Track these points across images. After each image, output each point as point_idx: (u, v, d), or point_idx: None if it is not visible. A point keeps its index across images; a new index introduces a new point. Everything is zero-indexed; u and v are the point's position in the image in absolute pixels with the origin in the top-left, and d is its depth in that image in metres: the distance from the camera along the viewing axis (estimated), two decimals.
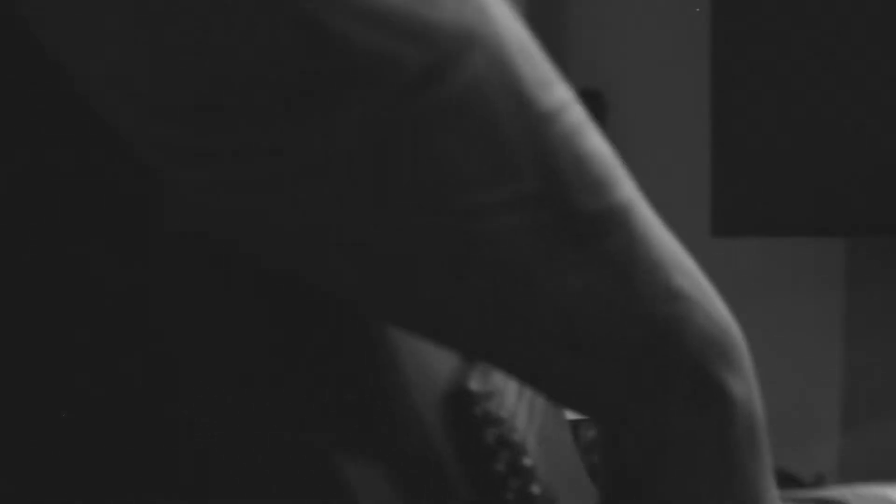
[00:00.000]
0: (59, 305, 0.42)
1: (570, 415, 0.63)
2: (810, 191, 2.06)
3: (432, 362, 0.51)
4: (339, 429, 0.44)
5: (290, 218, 0.41)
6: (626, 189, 0.46)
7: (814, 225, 2.11)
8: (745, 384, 0.50)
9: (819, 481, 2.22)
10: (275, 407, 0.42)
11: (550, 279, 0.44)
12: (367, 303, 0.45)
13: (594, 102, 2.49)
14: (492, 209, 0.42)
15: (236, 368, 0.42)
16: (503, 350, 0.46)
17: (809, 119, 2.05)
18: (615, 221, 0.45)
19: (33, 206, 0.42)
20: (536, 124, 0.42)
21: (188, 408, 0.41)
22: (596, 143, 0.45)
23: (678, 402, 0.48)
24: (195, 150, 0.38)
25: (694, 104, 2.24)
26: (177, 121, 0.38)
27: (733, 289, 2.47)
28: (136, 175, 0.42)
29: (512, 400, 0.54)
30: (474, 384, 0.51)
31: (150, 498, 0.41)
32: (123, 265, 0.42)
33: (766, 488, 0.50)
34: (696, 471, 0.49)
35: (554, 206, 0.43)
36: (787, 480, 2.21)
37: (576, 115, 0.44)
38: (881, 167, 1.99)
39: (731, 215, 2.16)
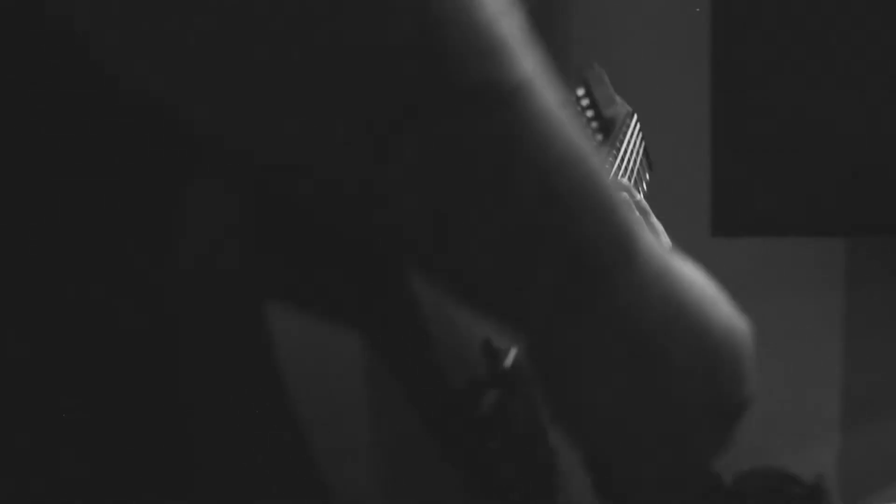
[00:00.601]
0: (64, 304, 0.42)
1: None
2: (810, 191, 2.06)
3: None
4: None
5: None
6: (521, 71, 0.43)
7: (814, 225, 2.11)
8: (633, 289, 0.48)
9: (819, 481, 2.22)
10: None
11: (418, 141, 0.42)
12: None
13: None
14: (353, 45, 0.40)
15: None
16: (369, 215, 0.44)
17: (809, 119, 2.05)
18: (497, 99, 0.43)
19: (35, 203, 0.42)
20: None
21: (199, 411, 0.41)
22: (491, 14, 0.43)
23: (543, 299, 0.46)
24: None
25: (694, 104, 2.24)
26: None
27: (733, 289, 2.46)
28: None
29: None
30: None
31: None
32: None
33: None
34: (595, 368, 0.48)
35: (425, 62, 0.41)
36: (787, 480, 2.21)
37: None
38: (881, 167, 1.99)
39: (731, 215, 2.15)
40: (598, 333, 0.48)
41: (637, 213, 0.65)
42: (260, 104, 0.41)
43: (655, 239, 0.51)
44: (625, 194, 0.86)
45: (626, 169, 0.94)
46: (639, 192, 0.98)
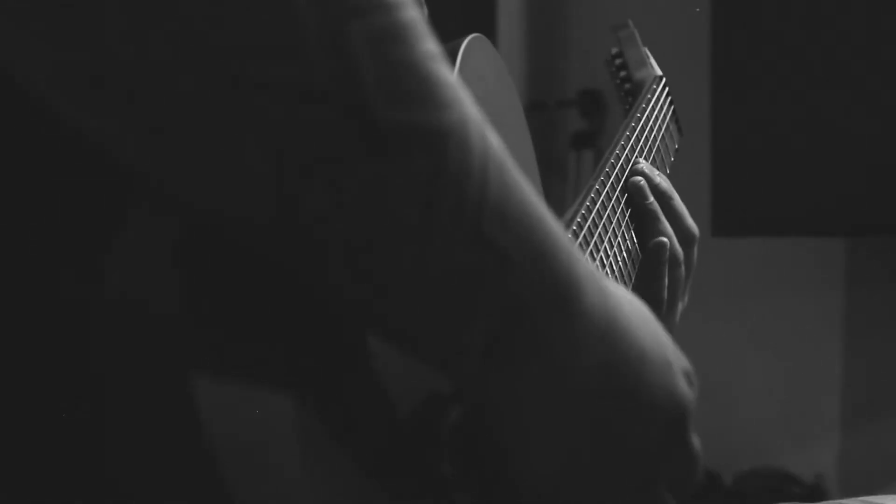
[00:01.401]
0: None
1: None
2: (810, 191, 2.06)
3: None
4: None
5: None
6: (449, 115, 0.42)
7: (814, 225, 2.11)
8: (553, 355, 0.46)
9: (819, 481, 2.22)
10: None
11: (330, 185, 0.40)
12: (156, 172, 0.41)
13: (594, 102, 2.49)
14: (268, 85, 0.39)
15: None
16: (291, 260, 0.42)
17: (809, 119, 2.05)
18: (421, 143, 0.41)
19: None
20: (337, 11, 0.40)
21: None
22: (418, 56, 0.41)
23: (475, 357, 0.45)
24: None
25: (694, 104, 2.24)
26: None
27: (733, 289, 2.47)
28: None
29: None
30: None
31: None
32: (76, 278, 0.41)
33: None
34: (526, 427, 0.47)
35: (342, 105, 0.40)
36: (787, 480, 2.21)
37: (396, 21, 0.41)
38: (881, 167, 1.99)
39: (731, 215, 2.16)
40: (532, 388, 0.46)
41: (587, 259, 0.63)
42: (173, 143, 0.40)
43: (605, 285, 0.49)
44: (640, 179, 0.82)
45: (646, 138, 0.90)
46: (666, 168, 0.94)
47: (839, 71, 2.02)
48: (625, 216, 0.81)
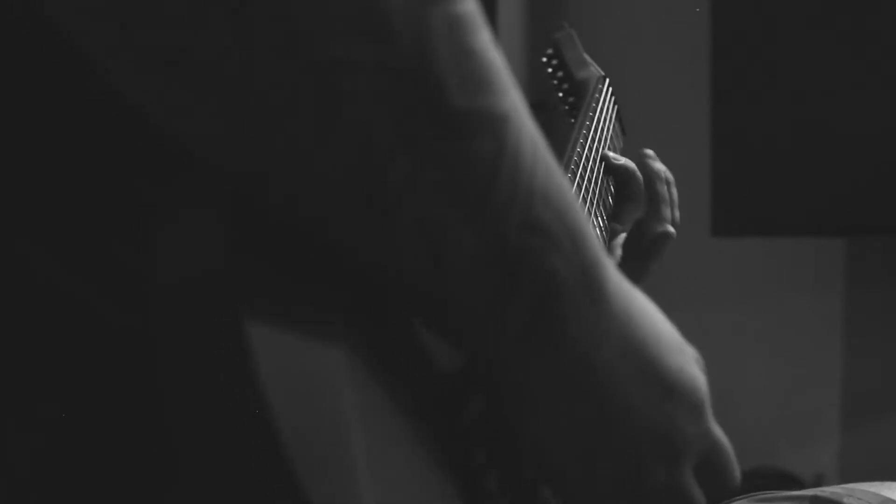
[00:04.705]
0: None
1: None
2: (810, 191, 2.06)
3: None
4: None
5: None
6: (507, 101, 0.44)
7: (814, 225, 2.11)
8: (589, 326, 0.48)
9: (819, 481, 2.22)
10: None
11: (408, 163, 0.42)
12: (235, 159, 0.42)
13: None
14: (353, 66, 0.40)
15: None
16: (355, 236, 0.44)
17: (809, 119, 2.05)
18: (485, 126, 0.44)
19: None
20: None
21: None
22: (483, 45, 0.44)
23: (511, 337, 0.47)
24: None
25: (694, 104, 2.24)
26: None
27: (733, 289, 2.47)
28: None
29: None
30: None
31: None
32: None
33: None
34: (537, 406, 0.49)
35: (421, 87, 0.42)
36: (787, 480, 2.21)
37: (467, 10, 0.43)
38: (881, 167, 1.99)
39: (731, 215, 2.16)
40: (556, 368, 0.48)
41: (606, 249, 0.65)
42: (252, 123, 0.41)
43: (620, 274, 0.51)
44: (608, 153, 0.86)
45: (601, 138, 0.93)
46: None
47: (839, 71, 2.02)
48: (595, 206, 0.83)
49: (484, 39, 0.44)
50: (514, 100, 0.45)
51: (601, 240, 0.83)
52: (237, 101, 0.40)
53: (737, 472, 0.56)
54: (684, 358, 0.53)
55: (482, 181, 0.44)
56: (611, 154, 0.93)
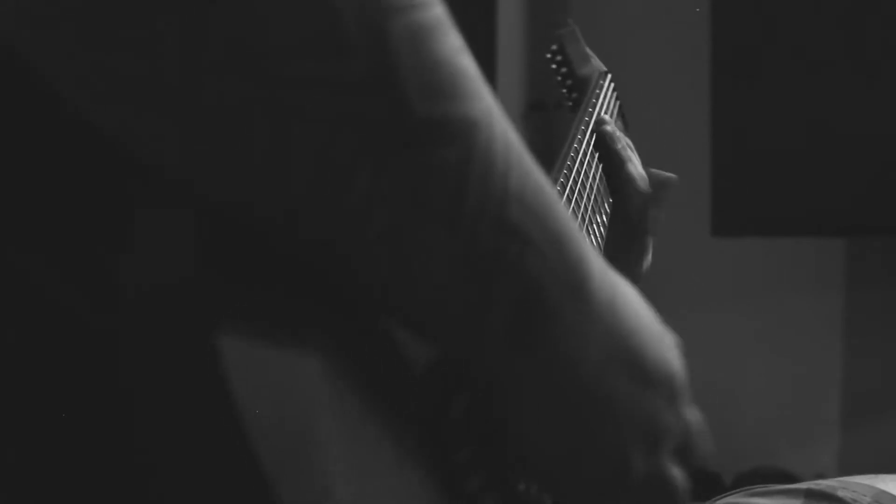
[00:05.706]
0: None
1: None
2: (810, 191, 2.06)
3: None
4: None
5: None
6: (476, 107, 0.44)
7: (814, 225, 2.11)
8: (575, 336, 0.48)
9: None
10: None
11: (373, 175, 0.42)
12: (196, 174, 0.42)
13: None
14: (310, 82, 0.40)
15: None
16: (323, 250, 0.44)
17: (810, 119, 2.05)
18: (452, 134, 0.43)
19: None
20: (377, 8, 0.41)
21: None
22: (449, 51, 0.43)
23: (493, 340, 0.46)
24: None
25: (694, 104, 2.24)
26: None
27: (733, 289, 2.47)
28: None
29: None
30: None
31: None
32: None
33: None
34: (522, 413, 0.49)
35: (381, 100, 0.41)
36: (787, 480, 2.21)
37: (430, 17, 0.43)
38: (881, 167, 1.99)
39: (731, 215, 2.16)
40: (541, 368, 0.48)
41: (590, 242, 0.65)
42: (209, 142, 0.41)
43: (604, 263, 0.51)
44: (608, 126, 0.87)
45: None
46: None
47: (839, 71, 2.03)
48: (599, 205, 0.83)
49: (450, 46, 0.43)
50: (483, 104, 0.44)
51: (601, 237, 0.83)
52: (191, 120, 0.40)
53: (709, 448, 0.56)
54: (665, 345, 0.53)
55: (451, 188, 0.43)
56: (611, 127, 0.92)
